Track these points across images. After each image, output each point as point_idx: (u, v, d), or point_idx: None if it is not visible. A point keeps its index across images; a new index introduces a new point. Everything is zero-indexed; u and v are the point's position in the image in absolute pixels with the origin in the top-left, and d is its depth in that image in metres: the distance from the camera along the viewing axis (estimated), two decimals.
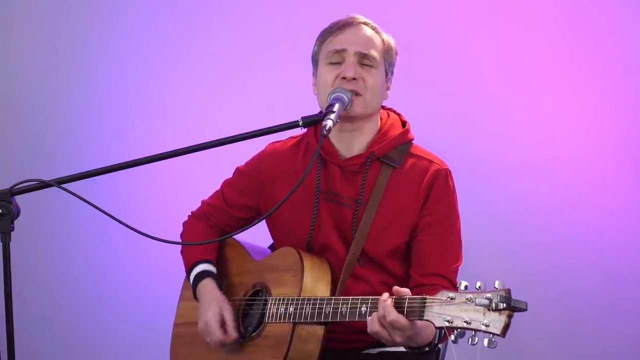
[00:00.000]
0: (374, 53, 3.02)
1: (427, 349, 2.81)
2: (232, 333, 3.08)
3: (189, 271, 3.24)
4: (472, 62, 4.29)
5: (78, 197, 2.68)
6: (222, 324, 3.08)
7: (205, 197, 3.33)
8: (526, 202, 4.24)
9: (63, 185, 2.69)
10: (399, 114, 3.18)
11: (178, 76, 4.60)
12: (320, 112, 3.01)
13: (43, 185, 2.69)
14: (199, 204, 3.35)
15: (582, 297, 4.18)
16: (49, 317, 4.65)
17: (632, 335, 4.14)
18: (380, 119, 3.12)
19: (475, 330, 2.50)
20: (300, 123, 2.93)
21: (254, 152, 3.26)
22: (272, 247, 3.30)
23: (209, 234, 3.28)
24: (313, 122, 2.96)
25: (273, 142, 3.24)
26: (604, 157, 4.19)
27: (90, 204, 2.69)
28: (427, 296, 2.61)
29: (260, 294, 3.12)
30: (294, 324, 2.94)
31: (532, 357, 4.26)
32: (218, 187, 3.32)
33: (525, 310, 2.48)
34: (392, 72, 3.10)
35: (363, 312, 2.79)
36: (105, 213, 2.70)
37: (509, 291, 2.48)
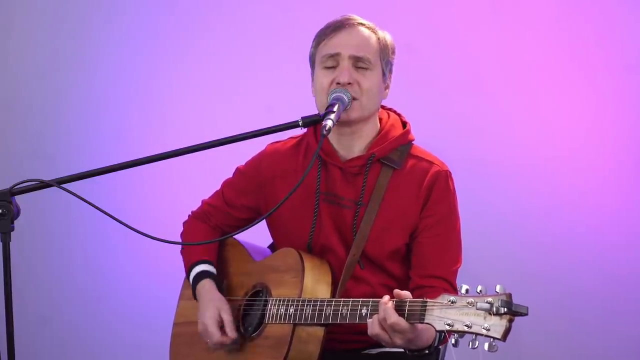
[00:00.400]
0: (369, 55, 3.01)
1: (427, 351, 2.81)
2: (231, 333, 3.07)
3: (188, 271, 3.24)
4: (472, 62, 4.28)
5: (78, 197, 2.68)
6: (221, 324, 3.08)
7: (206, 197, 3.33)
8: (526, 202, 4.24)
9: (63, 185, 2.70)
10: (399, 114, 3.18)
11: (178, 76, 4.60)
12: (320, 113, 3.01)
13: (43, 185, 2.69)
14: (199, 204, 3.35)
15: (583, 297, 4.18)
16: (49, 317, 4.65)
17: (633, 336, 4.14)
18: (381, 119, 3.12)
19: (476, 334, 2.49)
20: (300, 123, 2.93)
21: (254, 152, 3.26)
22: (272, 247, 3.30)
23: (209, 234, 3.28)
24: (313, 122, 2.95)
25: (273, 143, 3.23)
26: (604, 157, 4.19)
27: (90, 204, 2.69)
28: (428, 299, 2.61)
29: (261, 295, 3.12)
30: (294, 325, 2.94)
31: (532, 357, 4.25)
32: (218, 187, 3.32)
33: (526, 314, 2.48)
34: (390, 71, 3.08)
35: (364, 314, 2.79)
36: (105, 213, 2.70)
37: (510, 295, 2.47)
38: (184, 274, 3.29)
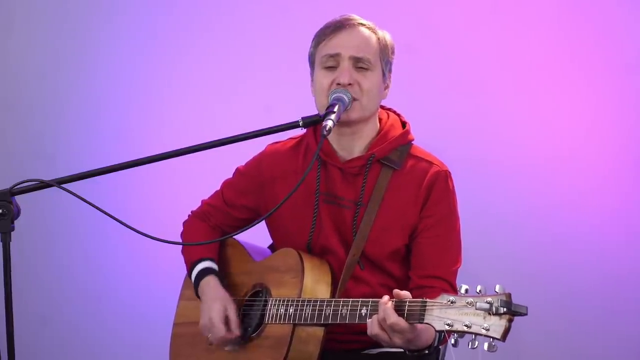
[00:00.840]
0: (369, 55, 3.00)
1: (426, 351, 2.81)
2: (236, 330, 3.08)
3: (190, 269, 3.23)
4: (472, 62, 4.28)
5: (78, 197, 2.68)
6: (226, 321, 3.08)
7: (205, 197, 3.33)
8: (526, 202, 4.24)
9: (63, 185, 2.70)
10: (398, 115, 3.18)
11: (177, 76, 4.60)
12: (320, 114, 3.01)
13: (43, 185, 2.70)
14: (199, 204, 3.35)
15: (582, 297, 4.18)
16: (49, 317, 4.65)
17: (633, 336, 4.14)
18: (380, 119, 3.12)
19: (476, 334, 2.49)
20: (301, 123, 2.93)
21: (254, 152, 3.26)
22: (272, 248, 3.29)
23: (209, 234, 3.28)
24: (313, 123, 2.95)
25: (273, 143, 3.23)
26: (604, 157, 4.19)
27: (90, 204, 2.69)
28: (428, 299, 2.61)
29: (260, 295, 3.12)
30: (294, 325, 2.94)
31: (532, 357, 4.26)
32: (218, 187, 3.32)
33: (526, 314, 2.48)
34: (390, 70, 3.08)
35: (363, 314, 2.79)
36: (105, 213, 2.70)
37: (509, 295, 2.47)
38: (184, 274, 3.29)
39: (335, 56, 3.00)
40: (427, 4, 4.34)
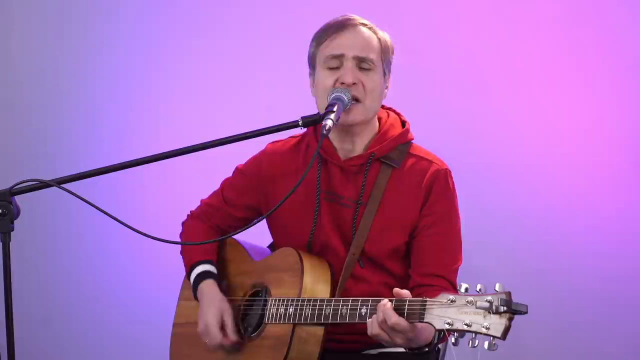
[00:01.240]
0: (372, 56, 3.00)
1: (426, 349, 2.81)
2: (232, 336, 3.08)
3: (189, 271, 3.23)
4: (472, 62, 4.29)
5: (78, 197, 2.68)
6: (222, 326, 3.08)
7: (204, 197, 3.33)
8: (526, 202, 4.24)
9: (63, 185, 2.70)
10: (398, 114, 3.18)
11: (178, 76, 4.60)
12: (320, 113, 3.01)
13: (43, 185, 2.70)
14: (198, 204, 3.35)
15: (583, 297, 4.18)
16: (49, 317, 4.65)
17: (632, 336, 4.14)
18: (380, 118, 3.12)
19: (476, 333, 2.49)
20: (300, 123, 2.93)
21: (254, 152, 3.26)
22: (272, 247, 3.29)
23: (209, 234, 3.28)
24: (313, 122, 2.96)
25: (273, 142, 3.23)
26: (604, 157, 4.19)
27: (90, 204, 2.69)
28: (428, 298, 2.61)
29: (260, 295, 3.12)
30: (294, 324, 2.94)
31: (532, 357, 4.26)
32: (218, 187, 3.32)
33: (526, 313, 2.48)
34: (389, 71, 3.09)
35: (363, 313, 2.79)
36: (105, 213, 2.70)
37: (509, 294, 2.47)
38: (183, 274, 3.29)
39: (339, 57, 3.00)
40: (427, 4, 4.34)
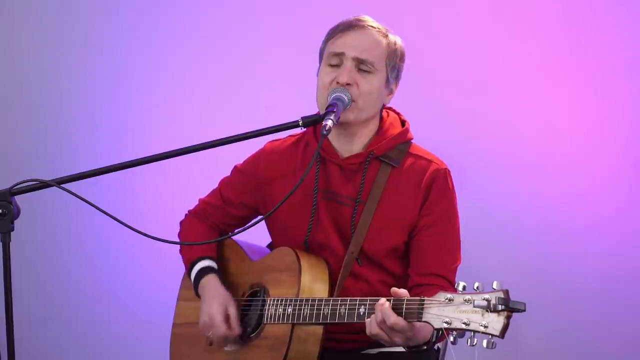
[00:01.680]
0: (373, 59, 3.00)
1: (425, 347, 2.81)
2: (237, 328, 3.08)
3: (190, 268, 3.23)
4: (472, 62, 4.29)
5: (78, 197, 2.68)
6: (227, 318, 3.08)
7: (203, 196, 3.33)
8: (526, 201, 4.24)
9: (63, 185, 2.70)
10: (398, 113, 3.18)
11: (178, 76, 4.60)
12: (320, 113, 3.01)
13: (43, 185, 2.70)
14: (197, 203, 3.35)
15: (583, 297, 4.18)
16: (49, 317, 4.65)
17: (632, 336, 4.14)
18: (380, 118, 3.12)
19: (474, 332, 2.50)
20: (301, 123, 2.94)
21: (253, 152, 3.26)
22: (271, 247, 3.29)
23: (207, 233, 3.28)
24: (313, 122, 2.96)
25: (272, 141, 3.23)
26: (604, 157, 4.19)
27: (90, 203, 2.69)
28: (425, 297, 2.61)
29: (259, 295, 3.12)
30: (293, 325, 2.94)
31: (531, 356, 4.26)
32: (217, 186, 3.32)
33: (524, 311, 2.48)
34: (396, 77, 3.08)
35: (361, 313, 2.79)
36: (105, 213, 2.71)
37: (507, 292, 2.48)
38: (183, 274, 3.29)
39: (340, 55, 3.01)
40: (427, 4, 4.35)
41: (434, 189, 3.02)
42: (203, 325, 3.13)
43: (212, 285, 3.16)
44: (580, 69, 4.23)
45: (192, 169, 4.14)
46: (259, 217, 3.18)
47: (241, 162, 3.27)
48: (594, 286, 4.17)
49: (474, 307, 2.48)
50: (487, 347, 2.50)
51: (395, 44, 3.05)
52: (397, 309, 2.67)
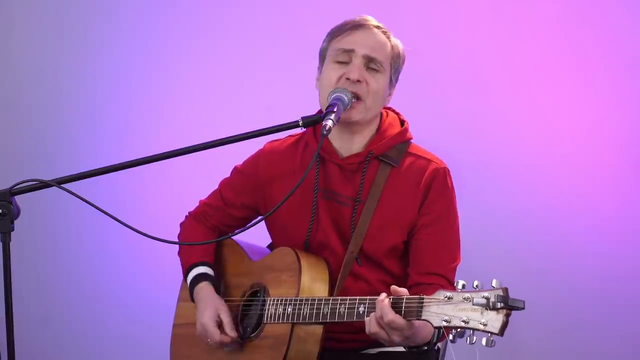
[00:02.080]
0: (382, 58, 3.01)
1: (425, 348, 2.81)
2: (230, 332, 3.08)
3: (186, 273, 3.23)
4: (472, 62, 4.29)
5: (78, 197, 2.68)
6: (219, 324, 3.08)
7: (204, 197, 3.33)
8: (525, 201, 4.24)
9: (63, 185, 2.70)
10: (397, 113, 3.18)
11: (178, 76, 4.60)
12: (320, 112, 3.01)
13: (43, 185, 2.70)
14: (197, 205, 3.35)
15: (583, 297, 4.18)
16: (49, 317, 4.65)
17: (632, 336, 4.14)
18: (380, 118, 3.12)
19: (473, 330, 2.50)
20: (301, 123, 2.93)
21: (253, 152, 3.26)
22: (271, 247, 3.29)
23: (207, 235, 3.28)
24: (313, 122, 2.96)
25: (271, 141, 3.23)
26: (604, 157, 4.19)
27: (90, 203, 2.69)
28: (425, 296, 2.61)
29: (259, 295, 3.12)
30: (293, 324, 2.94)
31: (531, 356, 4.26)
32: (217, 187, 3.32)
33: (523, 309, 2.48)
34: (396, 79, 3.10)
35: (361, 312, 2.79)
36: (105, 213, 2.71)
37: (506, 290, 2.48)
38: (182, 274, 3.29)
39: (349, 51, 3.01)
40: (427, 4, 4.35)
41: (433, 188, 3.03)
42: (199, 334, 3.13)
43: (204, 293, 3.16)
44: (580, 69, 4.23)
45: (192, 169, 4.14)
46: (259, 217, 3.18)
47: (241, 162, 3.27)
48: (594, 286, 4.17)
49: (473, 305, 2.48)
50: (487, 345, 2.50)
51: (397, 47, 3.08)
52: (396, 306, 2.67)
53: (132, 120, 4.62)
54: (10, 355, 2.60)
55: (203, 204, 3.31)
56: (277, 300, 3.00)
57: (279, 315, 2.97)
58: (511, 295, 2.47)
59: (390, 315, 2.66)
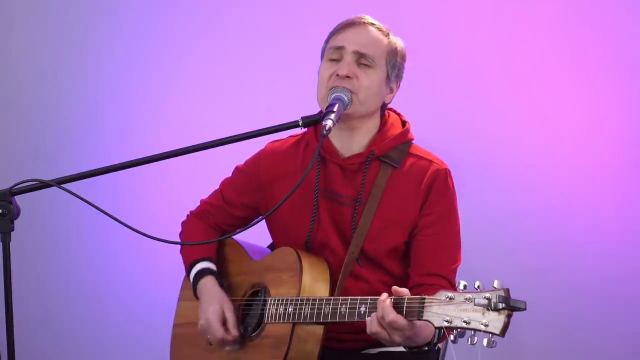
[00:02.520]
0: (373, 53, 3.02)
1: (426, 348, 2.81)
2: (234, 331, 3.08)
3: (189, 269, 3.23)
4: (473, 62, 4.29)
5: (78, 197, 2.68)
6: (224, 321, 3.09)
7: (204, 198, 3.33)
8: (526, 201, 4.24)
9: (63, 185, 2.70)
10: (399, 114, 3.19)
11: (178, 76, 4.60)
12: (320, 112, 3.01)
13: (43, 185, 2.70)
14: (198, 204, 3.35)
15: (583, 297, 4.18)
16: (49, 317, 4.65)
17: (632, 336, 4.14)
18: (382, 118, 3.12)
19: (475, 330, 2.50)
20: (301, 123, 2.94)
21: (253, 152, 3.26)
22: (272, 247, 3.29)
23: (209, 234, 3.28)
24: (313, 122, 2.96)
25: (272, 141, 3.24)
26: (604, 157, 4.19)
27: (90, 203, 2.69)
28: (426, 296, 2.61)
29: (259, 294, 3.12)
30: (294, 324, 2.94)
31: (530, 356, 4.26)
32: (217, 187, 3.32)
33: (525, 309, 2.48)
34: (397, 76, 3.09)
35: (362, 312, 2.79)
36: (105, 213, 2.71)
37: (507, 291, 2.48)
38: (183, 274, 3.29)
39: (340, 49, 3.02)
40: (427, 4, 4.35)
41: (434, 189, 3.03)
42: (201, 328, 3.13)
43: (209, 287, 3.16)
44: (580, 69, 4.23)
45: (192, 169, 4.14)
46: (260, 217, 3.18)
47: (242, 162, 3.27)
48: (594, 286, 4.17)
49: (475, 305, 2.48)
50: (488, 345, 2.50)
51: (396, 43, 3.08)
52: (397, 307, 2.67)
53: (132, 120, 4.62)
54: (10, 355, 2.60)
55: (204, 203, 3.32)
56: (278, 300, 3.00)
57: (279, 315, 2.97)
58: (512, 295, 2.47)
59: (392, 315, 2.66)
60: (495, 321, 2.46)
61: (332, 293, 2.99)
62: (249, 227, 2.98)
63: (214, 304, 3.10)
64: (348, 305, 2.83)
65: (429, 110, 4.19)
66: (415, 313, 2.63)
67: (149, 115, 4.61)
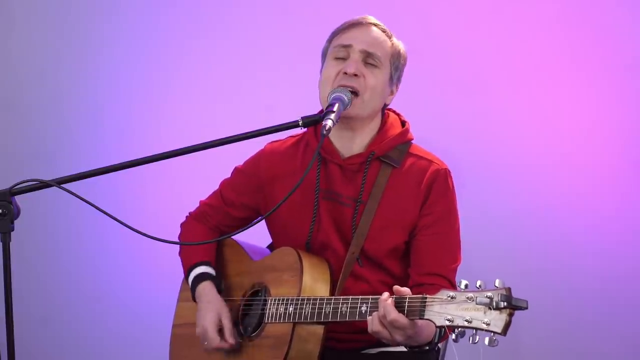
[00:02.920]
0: (380, 53, 3.02)
1: (427, 347, 2.81)
2: (230, 339, 3.07)
3: (187, 273, 3.23)
4: (473, 62, 4.29)
5: (78, 197, 2.68)
6: (220, 329, 3.08)
7: (204, 198, 3.33)
8: (526, 201, 4.24)
9: (63, 185, 2.70)
10: (398, 114, 3.19)
11: (178, 76, 4.60)
12: (321, 112, 3.01)
13: (43, 185, 2.70)
14: (198, 205, 3.34)
15: (583, 297, 4.18)
16: (49, 317, 4.65)
17: (632, 336, 4.14)
18: (382, 118, 3.12)
19: (476, 329, 2.50)
20: (300, 123, 2.94)
21: (253, 152, 3.26)
22: (271, 247, 3.29)
23: (208, 235, 3.27)
24: (313, 122, 2.96)
25: (272, 142, 3.23)
26: (604, 157, 4.19)
27: (90, 203, 2.69)
28: (428, 295, 2.61)
29: (260, 294, 3.12)
30: (294, 324, 2.94)
31: (530, 356, 4.26)
32: (217, 187, 3.32)
33: (526, 308, 2.48)
34: (398, 78, 3.10)
35: (363, 311, 2.79)
36: (105, 213, 2.70)
37: (509, 290, 2.48)
38: (183, 274, 3.29)
39: (347, 47, 3.02)
40: (427, 4, 4.35)
41: (434, 189, 3.03)
42: (198, 335, 3.13)
43: (207, 293, 3.16)
44: (580, 69, 4.23)
45: (192, 169, 4.14)
46: (259, 217, 3.18)
47: (242, 163, 3.27)
48: (594, 286, 4.17)
49: (477, 304, 2.48)
50: (489, 344, 2.50)
51: (398, 45, 3.09)
52: (399, 306, 2.67)
53: (132, 120, 4.62)
54: (10, 355, 2.59)
55: (203, 204, 3.31)
56: (278, 299, 3.00)
57: (280, 315, 2.97)
58: (514, 294, 2.47)
59: (393, 314, 2.66)
60: (497, 320, 2.47)
61: (332, 293, 2.99)
62: (248, 227, 2.98)
63: (211, 312, 3.10)
64: (349, 305, 2.83)
65: (429, 110, 4.19)
66: (416, 312, 2.63)
67: (149, 115, 4.61)
